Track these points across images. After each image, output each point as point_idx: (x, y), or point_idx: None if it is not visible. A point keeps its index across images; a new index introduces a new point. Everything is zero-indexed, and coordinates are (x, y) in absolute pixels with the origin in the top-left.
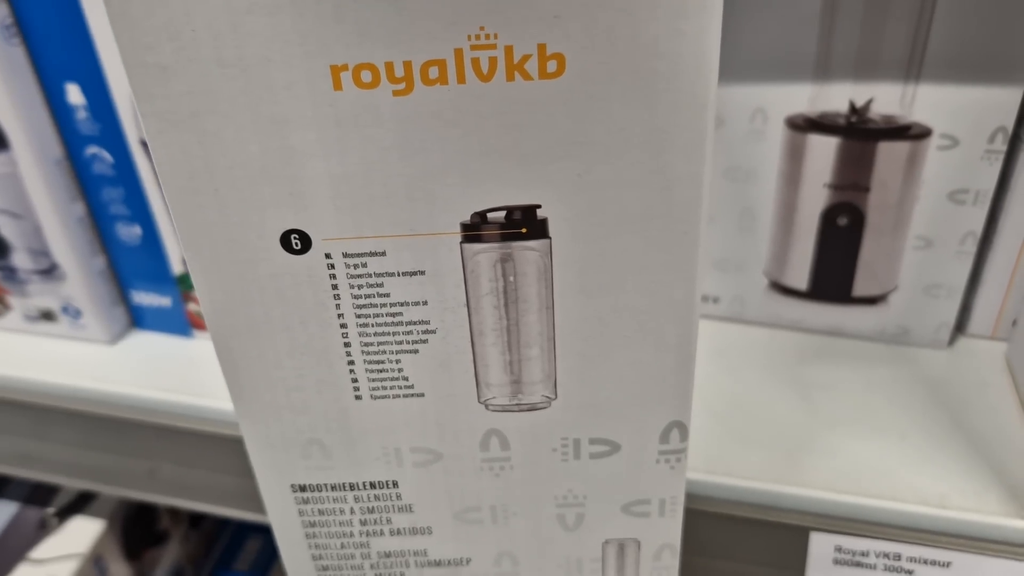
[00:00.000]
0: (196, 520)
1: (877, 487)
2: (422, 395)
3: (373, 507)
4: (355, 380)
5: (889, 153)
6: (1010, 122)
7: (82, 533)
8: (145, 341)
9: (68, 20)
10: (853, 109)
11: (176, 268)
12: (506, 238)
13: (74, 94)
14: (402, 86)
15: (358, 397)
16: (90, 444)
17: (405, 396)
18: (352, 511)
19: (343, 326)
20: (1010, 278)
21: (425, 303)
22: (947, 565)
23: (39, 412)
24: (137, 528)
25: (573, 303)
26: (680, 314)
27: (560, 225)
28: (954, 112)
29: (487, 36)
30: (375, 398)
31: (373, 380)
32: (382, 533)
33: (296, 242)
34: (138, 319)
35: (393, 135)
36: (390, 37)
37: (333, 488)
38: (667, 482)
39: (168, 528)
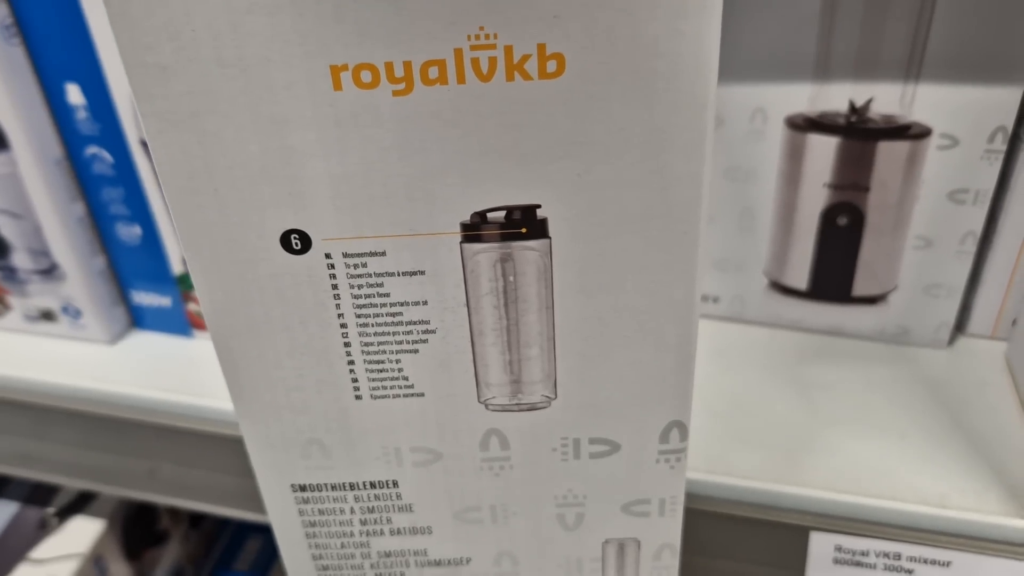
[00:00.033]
0: (196, 520)
1: (877, 487)
2: (422, 395)
3: (373, 507)
4: (355, 380)
5: (889, 153)
6: (1010, 122)
7: (82, 533)
8: (145, 341)
9: (68, 20)
10: (853, 109)
11: (176, 268)
12: (506, 238)
13: (74, 94)
14: (402, 86)
15: (358, 397)
16: (90, 444)
17: (405, 396)
18: (352, 511)
19: (343, 326)
20: (1010, 278)
21: (425, 303)
22: (947, 564)
23: (39, 412)
24: (137, 528)
25: (573, 303)
26: (680, 314)
27: (560, 225)
28: (954, 112)
29: (487, 36)
30: (375, 398)
31: (373, 380)
32: (382, 533)
33: (296, 242)
34: (138, 319)
35: (393, 135)
36: (390, 37)
37: (333, 488)
38: (667, 482)
39: (168, 528)
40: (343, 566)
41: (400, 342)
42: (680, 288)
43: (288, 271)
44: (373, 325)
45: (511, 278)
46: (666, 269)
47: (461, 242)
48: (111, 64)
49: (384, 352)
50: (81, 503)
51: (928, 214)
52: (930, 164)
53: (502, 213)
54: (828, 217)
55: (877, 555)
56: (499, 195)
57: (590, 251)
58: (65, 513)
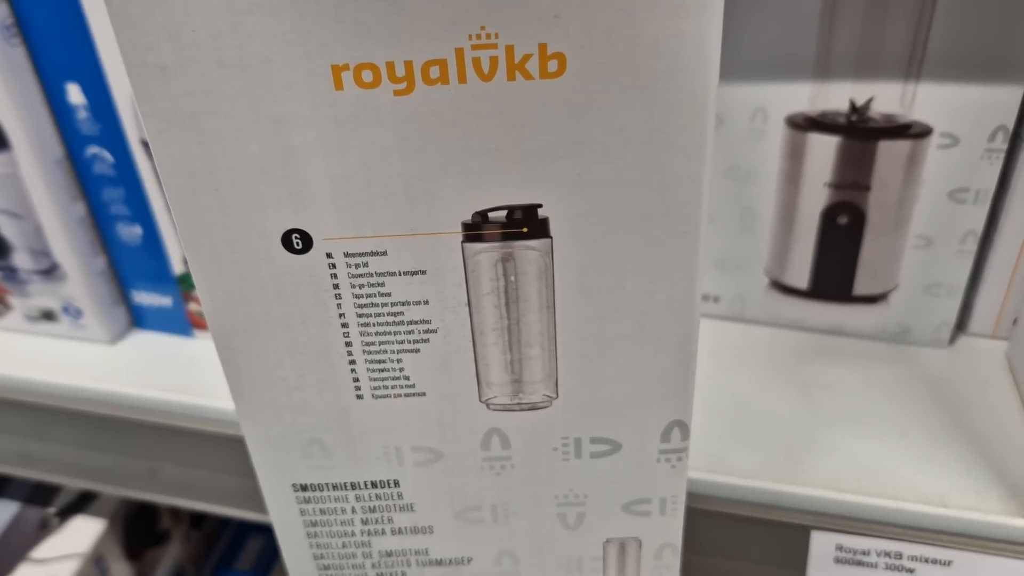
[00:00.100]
0: (197, 520)
1: (878, 486)
2: (423, 394)
3: (374, 506)
4: (356, 380)
5: (889, 152)
6: (1010, 121)
7: (83, 533)
8: (146, 341)
9: (68, 20)
10: (853, 108)
11: (177, 268)
12: (507, 237)
13: (74, 94)
14: (403, 86)
15: (359, 397)
16: (91, 444)
17: (406, 395)
18: (353, 510)
19: (344, 326)
20: (1011, 277)
21: (426, 303)
22: (948, 564)
23: (40, 412)
24: (138, 528)
25: (573, 302)
26: (681, 313)
27: (560, 225)
28: (954, 111)
29: (488, 36)
30: (376, 397)
31: (374, 379)
32: (383, 532)
33: (297, 242)
34: (139, 319)
35: (393, 135)
36: (390, 37)
37: (334, 487)
38: (668, 481)
39: (169, 528)
40: (344, 566)
41: (401, 342)
42: (681, 288)
43: (289, 271)
44: (374, 325)
45: (512, 278)
46: (667, 269)
47: (462, 242)
48: (112, 64)
49: (385, 352)
50: (82, 503)
51: (929, 213)
52: (931, 163)
53: (503, 213)
54: (829, 216)
55: (878, 554)
56: (500, 195)
57: (590, 251)
58: (66, 513)
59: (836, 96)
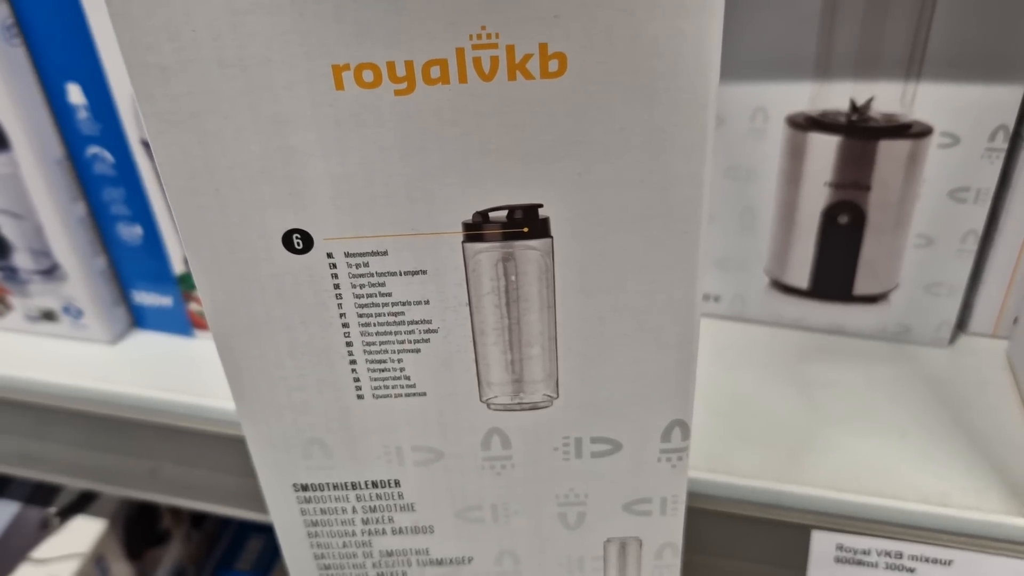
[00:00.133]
0: (198, 520)
1: (878, 485)
2: (424, 394)
3: (375, 506)
4: (357, 380)
5: (890, 151)
6: (1011, 120)
7: (84, 533)
8: (146, 341)
9: (69, 20)
10: (854, 107)
11: (177, 268)
12: (508, 237)
13: (75, 94)
14: (404, 85)
15: (360, 397)
16: (92, 444)
17: (407, 395)
18: (354, 510)
19: (345, 326)
20: (1011, 276)
21: (427, 302)
22: (948, 563)
23: (40, 412)
24: (139, 528)
25: (574, 302)
26: (681, 313)
27: (560, 224)
28: (955, 110)
29: (488, 36)
30: (377, 397)
31: (375, 379)
32: (384, 532)
33: (298, 242)
34: (139, 319)
35: (394, 134)
36: (391, 37)
37: (335, 487)
38: (669, 481)
39: (170, 528)
40: (345, 565)
41: (402, 341)
42: (681, 287)
43: (289, 271)
44: (375, 325)
45: (513, 277)
46: (667, 268)
47: (463, 242)
48: (112, 64)
49: (386, 352)
50: (82, 503)
51: (929, 213)
52: (931, 163)
53: (504, 213)
54: (829, 216)
55: (878, 554)
56: (500, 194)
57: (591, 251)
58: (67, 513)
59: (836, 96)
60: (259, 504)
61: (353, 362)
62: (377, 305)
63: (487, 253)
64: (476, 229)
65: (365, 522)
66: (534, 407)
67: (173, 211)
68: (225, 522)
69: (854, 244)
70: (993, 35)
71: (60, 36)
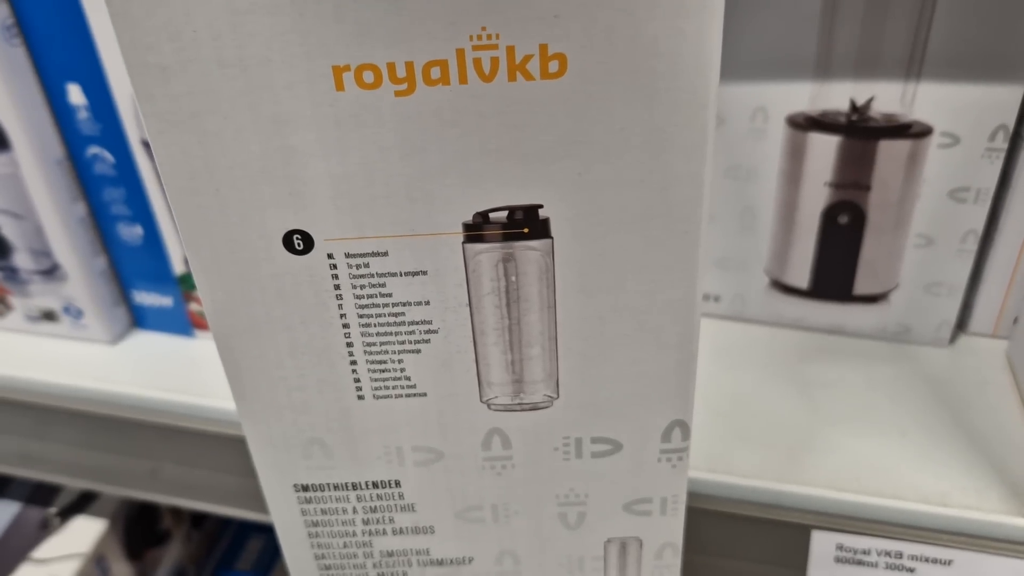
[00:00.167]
0: (198, 520)
1: (878, 485)
2: (424, 395)
3: (375, 506)
4: (357, 380)
5: (890, 151)
6: (1011, 120)
7: (84, 533)
8: (146, 341)
9: (69, 20)
10: (854, 107)
11: (177, 268)
12: (508, 238)
13: (75, 94)
14: (404, 86)
15: (360, 397)
16: (92, 444)
17: (407, 396)
18: (355, 511)
19: (345, 326)
20: (1011, 276)
21: (427, 303)
22: (948, 563)
23: (41, 412)
24: (139, 528)
25: (574, 302)
26: (681, 313)
27: (561, 225)
28: (955, 110)
29: (488, 36)
30: (377, 398)
31: (375, 380)
32: (384, 532)
33: (298, 242)
34: (139, 319)
35: (394, 135)
36: (391, 37)
37: (335, 488)
38: (669, 481)
39: (170, 528)
40: (345, 566)
41: (402, 342)
42: (681, 287)
43: (289, 271)
44: (375, 325)
45: (513, 278)
46: (667, 268)
47: (463, 242)
48: (112, 64)
49: (386, 352)
50: (83, 503)
51: (929, 212)
52: (931, 163)
53: (504, 213)
54: (829, 216)
55: (879, 554)
56: (500, 195)
57: (591, 251)
58: (67, 513)
59: (836, 96)
60: (259, 504)
61: (353, 362)
62: (377, 306)
63: (487, 254)
64: (476, 230)
65: (366, 522)
66: (534, 407)
67: (173, 211)
68: (225, 522)
69: (854, 244)
70: (993, 35)
71: (60, 36)
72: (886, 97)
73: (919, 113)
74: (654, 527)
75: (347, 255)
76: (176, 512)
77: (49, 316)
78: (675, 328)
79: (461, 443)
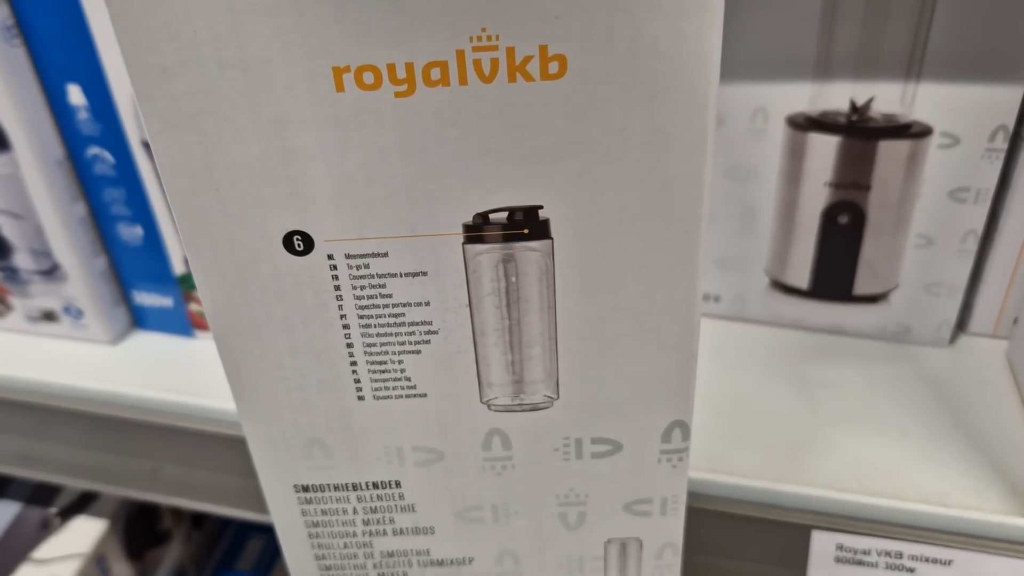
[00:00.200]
0: (198, 520)
1: (878, 485)
2: (424, 395)
3: (376, 507)
4: (357, 380)
5: (890, 152)
6: (1011, 120)
7: (84, 533)
8: (147, 341)
9: (69, 21)
10: (854, 108)
11: (178, 268)
12: (508, 239)
13: (75, 95)
14: (404, 87)
15: (360, 397)
16: (92, 444)
17: (407, 396)
18: (355, 511)
19: (345, 327)
20: (1011, 276)
21: (427, 304)
22: (948, 563)
23: (41, 412)
24: (139, 528)
25: (574, 303)
26: (681, 313)
27: (561, 225)
28: (955, 110)
29: (488, 37)
30: (377, 398)
31: (376, 380)
32: (385, 533)
33: (299, 243)
34: (140, 319)
35: (394, 136)
36: (391, 38)
37: (336, 488)
38: (669, 481)
39: (170, 528)
40: (346, 566)
41: (403, 343)
42: (681, 287)
43: (289, 271)
44: (376, 326)
45: (513, 279)
46: (667, 269)
47: (463, 243)
48: (112, 65)
49: (386, 352)
50: (83, 503)
51: (929, 213)
52: (931, 163)
53: (504, 214)
54: (829, 216)
55: (879, 554)
56: (500, 195)
57: (591, 251)
58: (67, 513)
59: (836, 96)
60: (259, 504)
61: (354, 363)
62: (378, 306)
63: (487, 254)
64: (476, 230)
65: (366, 523)
66: (534, 408)
67: (173, 211)
68: (225, 522)
69: (854, 244)
70: (993, 35)
71: (60, 36)
72: (886, 97)
73: (919, 113)
74: (654, 527)
75: (347, 256)
76: (176, 512)
77: (49, 316)
78: (675, 328)
79: (461, 443)
